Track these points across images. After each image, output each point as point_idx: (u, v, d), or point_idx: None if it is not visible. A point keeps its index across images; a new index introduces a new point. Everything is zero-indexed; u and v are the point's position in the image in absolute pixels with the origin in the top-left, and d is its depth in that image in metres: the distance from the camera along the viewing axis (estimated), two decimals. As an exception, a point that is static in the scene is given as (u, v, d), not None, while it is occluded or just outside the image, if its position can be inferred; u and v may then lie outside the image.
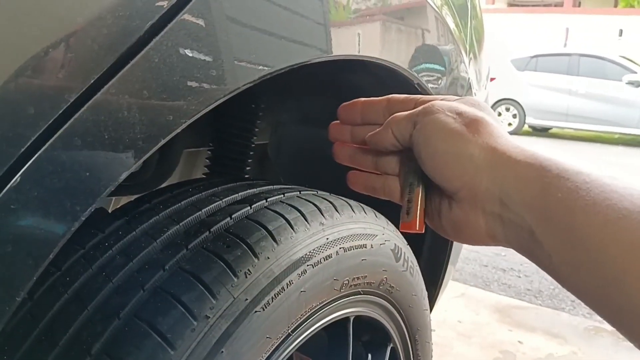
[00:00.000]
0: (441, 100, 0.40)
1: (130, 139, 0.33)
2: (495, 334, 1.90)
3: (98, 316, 0.41)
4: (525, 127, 8.56)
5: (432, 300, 1.00)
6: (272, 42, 0.42)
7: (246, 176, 0.79)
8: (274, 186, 0.60)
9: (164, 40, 0.33)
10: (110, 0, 0.31)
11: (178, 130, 0.36)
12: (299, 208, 0.55)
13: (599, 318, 0.31)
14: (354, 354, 0.66)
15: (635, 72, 7.86)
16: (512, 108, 8.43)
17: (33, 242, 0.31)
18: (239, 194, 0.55)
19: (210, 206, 0.52)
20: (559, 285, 0.32)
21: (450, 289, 2.19)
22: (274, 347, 0.50)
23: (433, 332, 0.97)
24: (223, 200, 0.53)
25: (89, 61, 0.30)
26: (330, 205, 0.59)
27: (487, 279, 2.48)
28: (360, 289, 0.62)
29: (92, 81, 0.30)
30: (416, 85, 0.70)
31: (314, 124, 0.94)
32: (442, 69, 0.77)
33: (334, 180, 0.62)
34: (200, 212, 0.50)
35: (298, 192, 0.59)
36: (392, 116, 0.41)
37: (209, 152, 0.81)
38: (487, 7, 15.82)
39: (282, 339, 0.51)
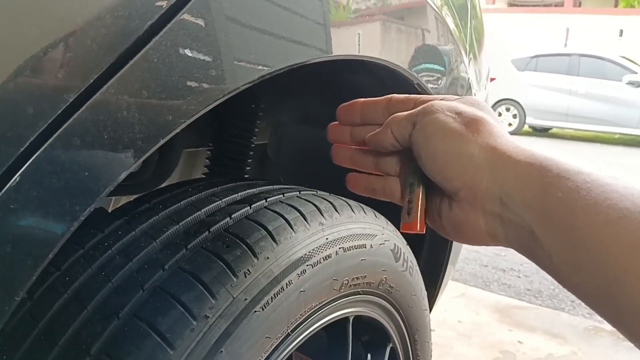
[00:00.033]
0: (441, 100, 0.40)
1: (129, 138, 0.33)
2: (495, 334, 1.90)
3: (97, 316, 0.41)
4: (526, 127, 8.56)
5: (432, 301, 1.00)
6: (272, 42, 0.42)
7: (246, 176, 0.79)
8: (274, 186, 0.60)
9: (163, 40, 0.33)
10: (109, 0, 0.31)
11: (177, 130, 0.36)
12: (299, 208, 0.55)
13: (598, 318, 0.31)
14: (354, 354, 0.66)
15: (636, 73, 7.86)
16: (512, 108, 8.43)
17: (32, 241, 0.31)
18: (239, 194, 0.55)
19: (210, 206, 0.52)
20: (559, 286, 0.32)
21: (450, 289, 2.19)
22: (273, 347, 0.50)
23: (433, 332, 0.97)
24: (223, 200, 0.53)
25: (88, 61, 0.30)
26: (330, 205, 0.59)
27: (487, 279, 2.48)
28: (359, 289, 0.62)
29: (91, 81, 0.30)
30: (416, 85, 0.70)
31: (314, 123, 0.94)
32: (442, 69, 0.77)
33: (333, 180, 0.62)
34: (199, 212, 0.50)
35: (298, 192, 0.59)
36: (391, 116, 0.41)
37: (209, 152, 0.81)
38: (487, 7, 15.82)
39: (281, 338, 0.51)
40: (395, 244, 0.67)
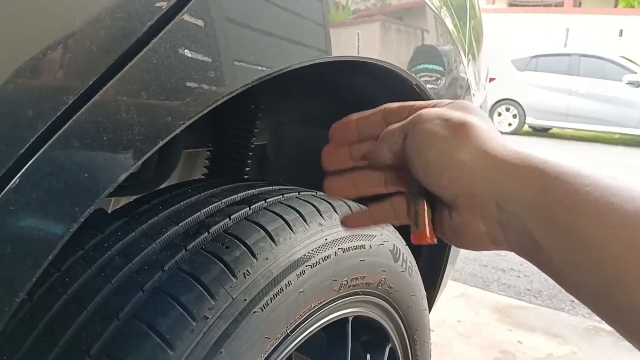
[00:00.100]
0: (433, 106, 0.39)
1: (128, 140, 0.33)
2: (495, 333, 1.90)
3: (97, 317, 0.41)
4: (526, 127, 8.55)
5: (431, 301, 1.00)
6: (271, 44, 0.43)
7: (245, 177, 0.79)
8: (273, 187, 0.60)
9: (163, 41, 0.33)
10: (108, 1, 0.31)
11: (177, 132, 0.36)
12: (298, 209, 0.55)
13: (598, 318, 0.31)
14: (353, 354, 0.66)
15: (635, 73, 7.86)
16: (512, 108, 8.43)
17: (32, 243, 0.31)
18: (238, 194, 0.55)
19: (209, 207, 0.52)
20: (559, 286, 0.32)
21: (450, 288, 2.19)
22: (272, 348, 0.50)
23: (433, 332, 0.97)
24: (222, 201, 0.53)
25: (88, 63, 0.30)
26: (329, 206, 0.59)
27: (487, 279, 2.48)
28: (359, 290, 0.62)
29: (90, 83, 0.30)
30: (415, 86, 0.70)
31: (313, 124, 0.94)
32: (441, 69, 0.77)
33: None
34: (199, 213, 0.50)
35: (297, 193, 0.59)
36: (384, 131, 0.40)
37: (208, 153, 0.81)
38: (487, 7, 15.81)
39: (281, 339, 0.51)
40: (394, 245, 0.68)
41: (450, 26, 0.79)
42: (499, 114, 8.53)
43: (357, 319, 0.66)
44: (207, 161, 0.81)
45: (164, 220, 0.49)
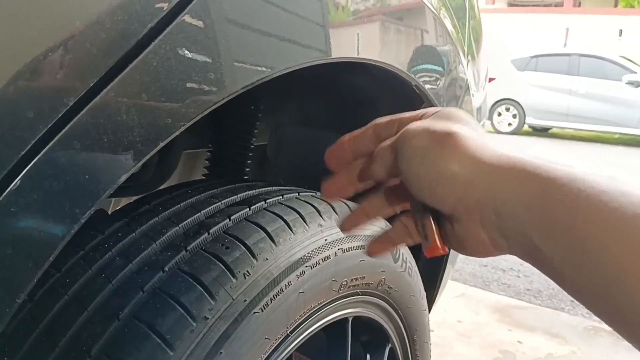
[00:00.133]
0: (420, 116, 0.39)
1: (129, 141, 0.33)
2: (495, 333, 1.90)
3: (98, 317, 0.41)
4: (525, 127, 8.55)
5: (431, 301, 1.00)
6: (271, 46, 0.43)
7: (245, 177, 0.79)
8: (273, 188, 0.60)
9: (163, 43, 0.34)
10: (109, 4, 0.31)
11: (177, 134, 0.36)
12: (298, 209, 0.55)
13: (598, 318, 0.31)
14: (353, 354, 0.66)
15: (635, 72, 7.86)
16: (512, 108, 8.43)
17: (33, 244, 0.31)
18: (238, 195, 0.56)
19: (209, 208, 0.52)
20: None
21: (450, 289, 2.19)
22: (272, 348, 0.50)
23: (433, 332, 0.97)
24: (222, 201, 0.53)
25: (88, 65, 0.31)
26: (329, 206, 0.59)
27: (487, 279, 2.48)
28: (358, 290, 0.63)
29: (91, 84, 0.31)
30: (414, 87, 0.70)
31: (313, 125, 0.94)
32: (441, 70, 0.78)
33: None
34: (199, 214, 0.51)
35: (297, 194, 0.59)
36: (377, 149, 0.39)
37: (208, 154, 0.81)
38: (487, 7, 15.81)
39: (281, 339, 0.51)
40: (394, 245, 0.68)
41: (450, 27, 0.80)
42: (499, 114, 8.53)
43: (357, 319, 0.66)
44: (207, 162, 0.81)
45: (164, 221, 0.50)
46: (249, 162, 0.79)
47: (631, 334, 0.28)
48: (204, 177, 0.82)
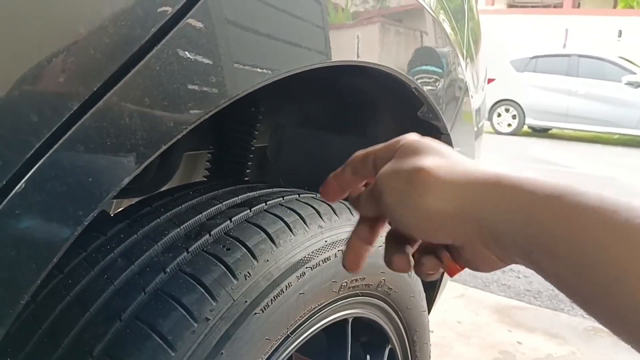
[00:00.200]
0: (391, 148, 0.38)
1: (132, 145, 0.34)
2: (495, 334, 1.90)
3: (100, 318, 0.41)
4: (525, 128, 8.56)
5: (431, 302, 1.00)
6: (273, 50, 0.43)
7: (246, 179, 0.80)
8: (274, 189, 0.61)
9: (165, 47, 0.34)
10: (112, 9, 0.31)
11: (179, 137, 0.36)
12: (298, 211, 0.55)
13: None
14: (353, 355, 0.67)
15: (635, 73, 7.86)
16: (511, 109, 8.44)
17: (37, 246, 0.31)
18: (239, 197, 0.56)
19: (211, 209, 0.52)
20: None
21: (450, 289, 2.19)
22: (273, 349, 0.50)
23: (432, 333, 0.97)
24: (223, 203, 0.54)
25: (92, 69, 0.31)
26: (329, 208, 0.59)
27: (487, 280, 2.48)
28: (358, 291, 0.63)
29: (94, 89, 0.31)
30: (413, 90, 0.71)
31: (314, 126, 0.95)
32: (440, 71, 0.78)
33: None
34: (200, 215, 0.51)
35: (297, 195, 0.60)
36: (359, 199, 0.40)
37: (209, 155, 0.82)
38: (486, 8, 15.82)
39: (281, 340, 0.51)
40: (393, 246, 0.68)
41: (448, 29, 0.80)
42: (499, 115, 8.54)
43: (357, 320, 0.66)
44: (208, 163, 0.82)
45: (165, 223, 0.50)
46: (249, 163, 0.79)
47: (631, 334, 0.29)
48: (204, 179, 0.82)
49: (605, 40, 11.31)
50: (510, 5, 17.69)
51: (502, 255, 0.34)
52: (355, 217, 0.62)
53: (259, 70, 0.42)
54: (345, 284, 0.59)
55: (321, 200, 0.60)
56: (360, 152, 0.42)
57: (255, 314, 0.46)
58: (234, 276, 0.45)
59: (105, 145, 0.32)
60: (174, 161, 0.74)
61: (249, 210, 0.53)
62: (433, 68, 0.76)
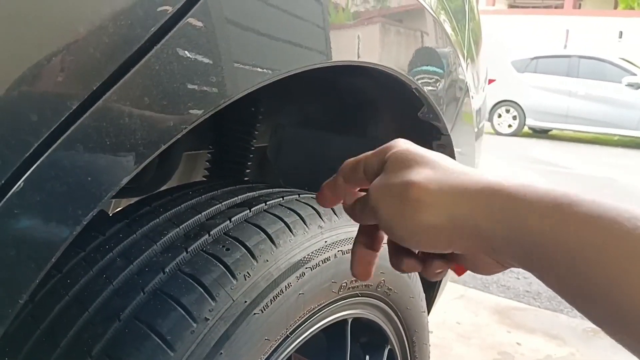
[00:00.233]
0: (384, 155, 0.38)
1: (131, 144, 0.34)
2: (494, 335, 1.90)
3: (98, 318, 0.41)
4: (525, 129, 8.56)
5: (430, 303, 1.00)
6: (273, 50, 0.43)
7: (246, 179, 0.79)
8: (273, 189, 0.61)
9: (165, 47, 0.34)
10: (112, 9, 0.31)
11: (178, 136, 0.36)
12: (298, 211, 0.55)
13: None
14: (352, 356, 0.67)
15: (635, 74, 7.86)
16: (512, 109, 8.44)
17: (36, 246, 0.31)
18: (239, 197, 0.56)
19: (210, 209, 0.52)
20: None
21: (450, 290, 2.19)
22: (272, 349, 0.50)
23: (432, 333, 0.97)
24: (222, 203, 0.54)
25: (91, 69, 0.31)
26: (329, 208, 0.59)
27: (486, 281, 2.48)
28: (358, 292, 0.63)
29: (94, 88, 0.31)
30: (414, 90, 0.70)
31: (314, 126, 0.95)
32: (440, 71, 0.78)
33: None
34: (199, 215, 0.51)
35: (297, 196, 0.60)
36: (353, 210, 0.40)
37: (209, 155, 0.81)
38: (487, 8, 15.82)
39: (280, 340, 0.51)
40: (393, 247, 0.68)
41: (449, 29, 0.80)
42: (499, 116, 8.54)
43: (357, 320, 0.66)
44: (207, 163, 0.81)
45: (164, 222, 0.50)
46: (249, 163, 0.79)
47: (630, 334, 0.28)
48: (204, 179, 0.82)
49: (606, 41, 11.31)
50: (511, 6, 17.70)
51: (501, 260, 0.34)
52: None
53: (259, 70, 0.41)
54: (344, 284, 0.59)
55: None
56: (350, 160, 0.42)
57: (255, 314, 0.46)
58: (234, 276, 0.45)
59: (104, 145, 0.32)
60: (174, 161, 0.74)
61: (248, 211, 0.53)
62: (434, 68, 0.76)
